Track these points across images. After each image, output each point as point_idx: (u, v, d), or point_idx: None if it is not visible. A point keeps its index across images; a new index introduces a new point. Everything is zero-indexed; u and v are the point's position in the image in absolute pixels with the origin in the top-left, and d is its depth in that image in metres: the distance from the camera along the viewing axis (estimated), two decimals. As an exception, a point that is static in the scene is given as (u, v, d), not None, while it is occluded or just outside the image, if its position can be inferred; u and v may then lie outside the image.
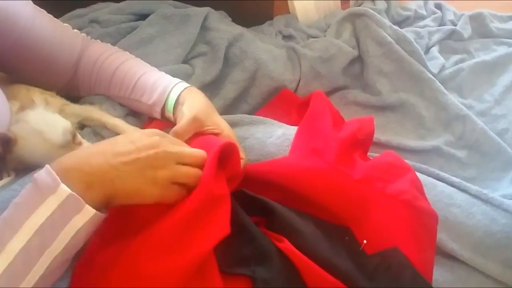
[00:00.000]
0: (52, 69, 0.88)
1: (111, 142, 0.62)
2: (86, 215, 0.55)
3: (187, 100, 0.83)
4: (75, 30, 0.93)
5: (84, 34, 0.95)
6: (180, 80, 0.88)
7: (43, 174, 0.55)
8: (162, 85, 0.86)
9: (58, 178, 0.54)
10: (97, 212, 0.56)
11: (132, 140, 0.61)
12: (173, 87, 0.86)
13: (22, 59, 0.82)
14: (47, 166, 0.56)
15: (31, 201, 0.54)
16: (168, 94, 0.85)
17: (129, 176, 0.59)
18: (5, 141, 0.69)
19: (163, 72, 0.91)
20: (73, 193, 0.54)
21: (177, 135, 0.76)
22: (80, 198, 0.54)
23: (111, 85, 0.90)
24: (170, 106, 0.85)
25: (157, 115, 0.88)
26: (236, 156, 0.72)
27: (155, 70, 0.92)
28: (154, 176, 0.60)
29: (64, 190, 0.54)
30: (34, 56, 0.83)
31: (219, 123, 0.82)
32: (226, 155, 0.69)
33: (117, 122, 0.89)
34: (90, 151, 0.60)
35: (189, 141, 0.77)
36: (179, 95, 0.84)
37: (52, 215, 0.53)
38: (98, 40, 0.97)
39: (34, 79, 0.87)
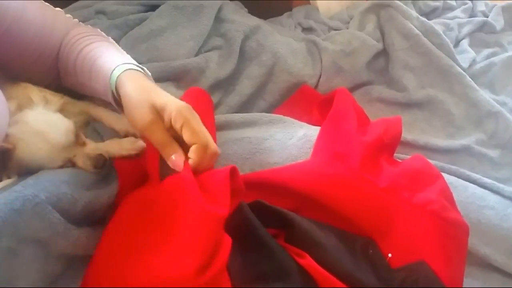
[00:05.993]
0: (44, 58, 0.83)
1: None
2: None
3: (122, 98, 0.71)
4: (68, 15, 0.88)
5: (77, 20, 0.90)
6: (121, 63, 0.74)
7: None
8: (106, 68, 0.75)
9: None
10: None
11: None
12: (111, 73, 0.73)
13: (13, 49, 0.78)
14: None
15: None
16: (110, 82, 0.73)
17: None
18: (2, 153, 0.65)
19: (114, 51, 0.81)
20: None
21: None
22: None
23: (76, 71, 0.82)
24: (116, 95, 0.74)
25: (113, 103, 0.77)
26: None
27: (110, 50, 0.80)
28: None
29: None
30: (25, 45, 0.79)
31: (165, 103, 0.66)
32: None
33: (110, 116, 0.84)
34: None
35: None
36: (115, 87, 0.73)
37: None
38: (89, 26, 0.90)
39: (27, 70, 0.82)
